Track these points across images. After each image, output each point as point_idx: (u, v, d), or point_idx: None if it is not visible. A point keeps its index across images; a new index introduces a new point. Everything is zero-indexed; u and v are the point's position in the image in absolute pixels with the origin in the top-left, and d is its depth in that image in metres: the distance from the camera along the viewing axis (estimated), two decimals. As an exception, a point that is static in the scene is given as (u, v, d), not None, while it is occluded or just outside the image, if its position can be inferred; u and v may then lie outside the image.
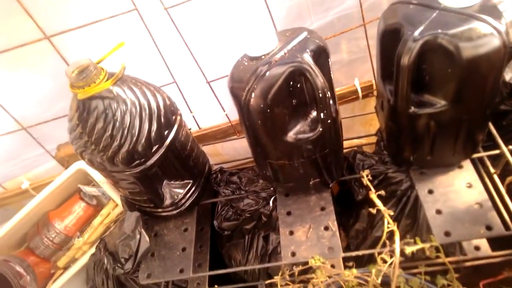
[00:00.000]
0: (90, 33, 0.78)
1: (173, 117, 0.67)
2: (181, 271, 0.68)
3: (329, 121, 0.57)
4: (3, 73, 0.85)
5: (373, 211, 0.55)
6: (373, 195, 0.54)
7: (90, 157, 0.62)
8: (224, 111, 0.93)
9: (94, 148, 0.61)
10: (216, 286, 0.74)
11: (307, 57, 0.51)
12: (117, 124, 0.60)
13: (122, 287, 0.81)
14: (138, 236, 0.70)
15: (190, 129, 0.76)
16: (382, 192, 0.57)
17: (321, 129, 0.57)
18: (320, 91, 0.52)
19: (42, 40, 0.77)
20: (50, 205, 1.00)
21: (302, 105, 0.57)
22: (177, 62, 0.85)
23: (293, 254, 0.63)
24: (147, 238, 0.70)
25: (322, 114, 0.55)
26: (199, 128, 0.99)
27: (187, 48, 0.82)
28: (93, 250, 0.93)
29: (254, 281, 0.80)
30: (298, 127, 0.58)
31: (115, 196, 0.92)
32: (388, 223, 0.54)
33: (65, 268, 0.98)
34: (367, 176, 0.58)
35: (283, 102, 0.55)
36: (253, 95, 0.53)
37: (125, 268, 0.70)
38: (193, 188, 0.75)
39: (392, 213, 0.55)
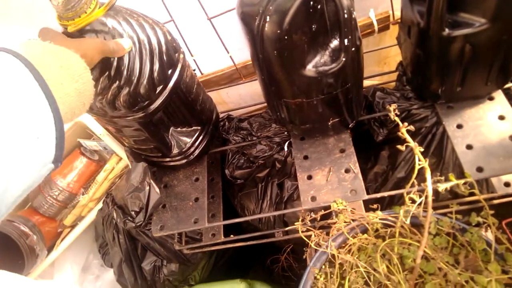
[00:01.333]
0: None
1: (176, 55, 0.60)
2: (196, 221, 0.64)
3: (353, 49, 0.50)
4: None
5: (402, 148, 0.50)
6: (403, 130, 0.49)
7: (88, 102, 0.56)
8: (228, 52, 0.86)
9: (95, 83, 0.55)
10: (232, 235, 0.72)
11: (331, -29, 0.44)
12: (115, 63, 0.53)
13: (133, 241, 0.78)
14: (147, 188, 0.66)
15: (194, 70, 0.70)
16: (411, 127, 0.51)
17: (344, 59, 0.51)
18: (345, 11, 0.45)
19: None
20: (50, 162, 0.96)
21: (322, 32, 0.50)
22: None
23: (313, 198, 0.59)
24: (157, 190, 0.66)
25: (346, 41, 0.49)
26: (201, 74, 0.92)
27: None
28: (99, 206, 0.89)
29: (269, 230, 0.77)
30: (318, 58, 0.51)
31: (118, 149, 0.88)
32: (419, 160, 0.50)
33: (72, 226, 0.96)
34: (394, 111, 0.53)
35: (302, 27, 0.48)
36: (268, 19, 0.46)
37: (136, 221, 0.66)
38: (202, 136, 0.70)
39: (422, 149, 0.50)
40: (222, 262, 1.00)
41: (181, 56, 0.62)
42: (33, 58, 0.35)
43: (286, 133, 0.71)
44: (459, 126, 0.58)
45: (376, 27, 0.80)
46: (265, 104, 0.90)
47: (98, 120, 0.64)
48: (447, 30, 0.49)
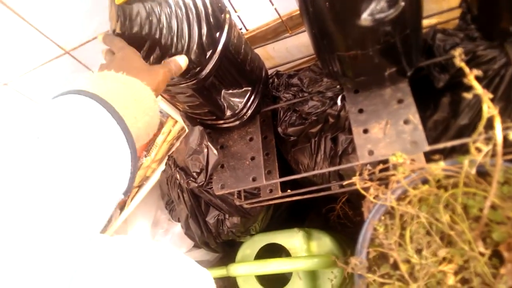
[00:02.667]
0: None
1: (222, 16, 0.59)
2: (254, 179, 0.67)
3: (412, -9, 0.46)
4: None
5: (469, 95, 0.47)
6: (470, 77, 0.46)
7: (144, 73, 0.58)
8: (273, 5, 0.83)
9: (146, 62, 0.56)
10: (289, 190, 0.74)
11: None
12: (164, 30, 0.54)
13: (197, 198, 0.84)
14: (205, 150, 0.69)
15: (241, 29, 0.69)
16: (480, 72, 0.48)
17: (403, 4, 0.47)
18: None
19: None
20: (113, 128, 1.02)
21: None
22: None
23: (371, 152, 0.59)
24: (215, 151, 0.69)
25: (404, -16, 0.45)
26: (247, 30, 0.90)
27: None
28: (162, 167, 0.95)
29: (324, 183, 0.79)
30: (373, 5, 0.48)
31: (173, 113, 0.91)
32: (488, 107, 0.47)
33: (139, 186, 1.04)
34: (460, 55, 0.49)
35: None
36: (318, -30, 0.43)
37: (198, 182, 0.71)
38: (253, 96, 0.70)
39: (491, 96, 0.47)
40: (279, 213, 1.04)
41: (227, 16, 0.61)
42: (109, 95, 0.37)
43: (338, 86, 0.69)
44: (534, 66, 0.53)
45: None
46: (314, 56, 0.88)
47: (154, 88, 0.66)
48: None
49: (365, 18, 0.48)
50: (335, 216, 1.02)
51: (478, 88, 0.46)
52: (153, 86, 0.44)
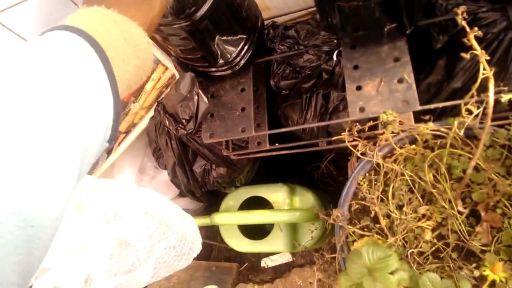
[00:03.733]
0: None
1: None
2: (243, 130, 0.67)
3: None
4: None
5: (466, 56, 0.47)
6: (471, 36, 0.45)
7: (135, 10, 0.56)
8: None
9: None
10: (277, 143, 0.74)
11: None
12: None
13: (185, 147, 0.83)
14: (196, 97, 0.68)
15: (239, -27, 0.65)
16: (480, 33, 0.47)
17: (411, -47, 0.45)
18: None
19: None
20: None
21: None
22: None
23: (362, 109, 0.59)
24: (205, 99, 0.68)
25: None
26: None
27: None
28: (150, 114, 0.94)
29: (312, 139, 0.79)
30: (381, -47, 0.46)
31: (164, 59, 0.88)
32: (484, 69, 0.47)
33: (127, 132, 1.03)
34: (462, 14, 0.48)
35: None
36: None
37: (187, 129, 0.70)
38: (247, 46, 0.68)
39: (488, 58, 0.46)
40: (265, 167, 1.06)
41: (226, -46, 0.57)
42: (98, 33, 0.34)
43: (335, 41, 0.67)
44: (533, 31, 0.53)
45: None
46: (312, 10, 0.85)
47: (145, 29, 0.63)
48: None
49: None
50: (319, 174, 1.04)
51: (477, 48, 0.46)
52: (146, 24, 0.40)
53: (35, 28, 0.63)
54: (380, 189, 0.57)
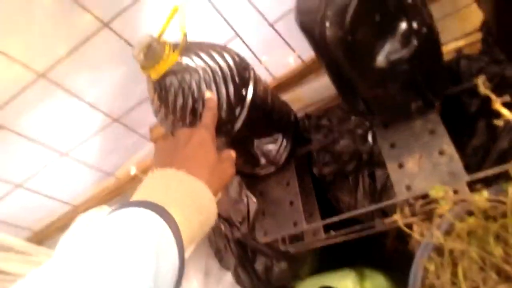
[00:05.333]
0: (143, 8, 0.77)
1: (247, 73, 0.63)
2: (295, 224, 0.68)
3: (424, 29, 0.48)
4: (78, 73, 0.90)
5: (500, 122, 0.46)
6: (497, 105, 0.45)
7: (180, 134, 0.63)
8: (295, 52, 0.87)
9: (182, 124, 0.61)
10: (332, 232, 0.73)
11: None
12: (196, 95, 0.59)
13: (243, 247, 0.85)
14: (245, 199, 0.72)
15: (269, 82, 0.73)
16: (507, 98, 0.47)
17: (416, 43, 0.48)
18: (407, -3, 0.43)
19: (102, 30, 0.78)
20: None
21: (387, 19, 0.48)
22: (234, 14, 0.80)
23: (408, 188, 0.58)
24: (254, 199, 0.71)
25: (414, 24, 0.47)
26: (273, 78, 0.94)
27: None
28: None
29: (367, 220, 0.77)
30: (387, 48, 0.50)
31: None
32: (523, 131, 0.45)
33: (187, 236, 1.07)
34: (483, 83, 0.49)
35: (365, 22, 0.47)
36: (327, 24, 0.46)
37: (242, 231, 0.73)
38: (284, 142, 0.73)
39: (526, 118, 0.45)
40: (329, 253, 1.02)
41: (252, 72, 0.65)
42: (169, 199, 0.38)
43: (367, 123, 0.69)
44: None
45: (448, -13, 0.73)
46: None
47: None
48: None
49: (381, 60, 0.50)
50: (387, 251, 0.98)
51: (507, 114, 0.45)
52: (209, 184, 0.43)
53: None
54: (449, 272, 0.53)
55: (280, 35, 0.84)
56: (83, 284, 0.28)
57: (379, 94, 0.55)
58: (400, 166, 0.60)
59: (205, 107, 0.56)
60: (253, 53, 0.88)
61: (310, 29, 0.49)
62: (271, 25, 0.82)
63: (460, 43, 0.83)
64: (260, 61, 0.91)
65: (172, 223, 0.37)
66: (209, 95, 0.56)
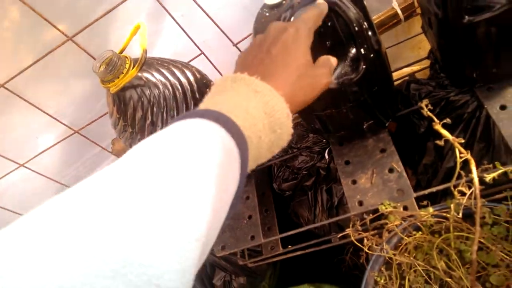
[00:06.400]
0: (107, 23, 0.77)
1: (207, 90, 0.64)
2: (252, 237, 0.68)
3: (371, 55, 0.51)
4: (40, 84, 0.88)
5: (441, 143, 0.50)
6: (437, 126, 0.49)
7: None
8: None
9: (140, 137, 0.61)
10: (289, 246, 0.74)
11: (333, -10, 0.45)
12: (155, 109, 0.59)
13: (214, 266, 0.85)
14: (203, 213, 0.72)
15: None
16: (448, 120, 0.51)
17: (364, 67, 0.51)
18: (355, 24, 0.46)
19: (66, 42, 0.78)
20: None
21: (337, 45, 0.51)
22: (199, 33, 0.82)
23: (360, 203, 0.60)
24: (212, 213, 0.71)
25: (362, 50, 0.50)
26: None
27: (206, 15, 0.78)
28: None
29: (325, 234, 0.79)
30: (338, 70, 0.52)
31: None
32: (460, 152, 0.49)
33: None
34: (426, 106, 0.52)
35: (317, 46, 0.49)
36: (282, 47, 0.48)
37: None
38: (245, 156, 0.74)
39: (462, 141, 0.49)
40: (287, 269, 1.03)
41: (213, 89, 0.66)
42: (238, 109, 0.32)
43: (324, 140, 0.72)
44: (503, 107, 0.56)
45: (401, 16, 0.78)
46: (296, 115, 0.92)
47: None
48: (467, 18, 0.47)
49: (332, 82, 0.53)
50: (346, 267, 1.00)
51: (447, 135, 0.49)
52: (288, 96, 0.36)
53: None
54: (397, 284, 0.55)
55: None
56: (125, 211, 0.22)
57: (332, 113, 0.58)
58: (354, 182, 0.62)
59: (315, 7, 0.44)
60: (217, 70, 0.90)
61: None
62: (235, 45, 0.84)
63: (414, 68, 0.89)
64: (221, 74, 0.93)
65: (240, 141, 0.30)
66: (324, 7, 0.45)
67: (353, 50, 0.51)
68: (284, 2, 0.48)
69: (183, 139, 0.27)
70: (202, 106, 0.33)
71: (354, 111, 0.57)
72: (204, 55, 0.86)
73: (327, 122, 0.61)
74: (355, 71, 0.51)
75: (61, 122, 0.95)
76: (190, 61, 0.84)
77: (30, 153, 1.00)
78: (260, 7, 0.53)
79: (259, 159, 0.35)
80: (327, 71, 0.42)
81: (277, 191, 0.79)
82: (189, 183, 0.24)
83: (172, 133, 0.28)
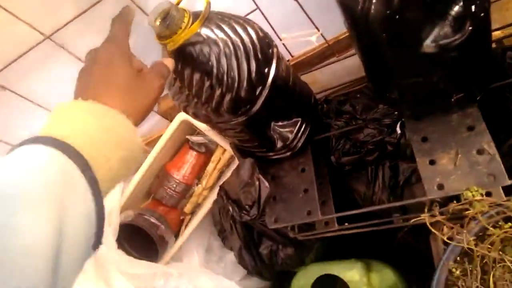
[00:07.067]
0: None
1: (270, 51, 0.57)
2: (309, 213, 0.64)
3: (482, 14, 0.42)
4: (86, 37, 0.83)
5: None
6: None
7: (195, 110, 0.58)
8: (319, 30, 0.80)
9: (197, 101, 0.56)
10: (346, 224, 0.70)
11: None
12: (215, 70, 0.53)
13: (250, 229, 0.82)
14: (257, 183, 0.68)
15: (288, 61, 0.67)
16: None
17: (471, 28, 0.42)
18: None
19: None
20: (165, 157, 1.04)
21: (438, 0, 0.42)
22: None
23: (440, 186, 0.53)
24: (267, 184, 0.67)
25: (473, 7, 0.40)
26: (292, 57, 0.88)
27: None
28: (213, 193, 0.95)
29: (383, 213, 0.73)
30: (437, 31, 0.44)
31: (222, 142, 0.91)
32: None
33: (192, 213, 1.04)
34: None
35: (415, 2, 0.41)
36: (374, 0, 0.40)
37: (251, 214, 0.69)
38: (303, 126, 0.68)
39: None
40: (334, 242, 0.99)
41: (275, 50, 0.59)
42: (76, 132, 0.33)
43: (396, 112, 0.64)
44: None
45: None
46: (364, 79, 0.83)
47: (203, 123, 0.66)
48: None
49: (428, 45, 0.44)
50: (397, 245, 0.95)
51: None
52: (129, 112, 0.36)
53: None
54: (478, 278, 0.49)
55: (304, 10, 0.77)
56: None
57: (418, 82, 0.50)
58: (432, 162, 0.55)
59: (118, 15, 0.44)
60: (273, 28, 0.82)
61: (350, 4, 0.43)
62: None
63: (497, 33, 0.76)
64: (280, 37, 0.84)
65: (79, 160, 0.31)
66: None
67: (460, 6, 0.42)
68: None
69: (9, 164, 0.29)
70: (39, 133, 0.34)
71: (446, 80, 0.49)
72: (260, 10, 0.78)
73: (409, 92, 0.53)
74: (459, 32, 0.43)
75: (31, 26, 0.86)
76: (245, 16, 0.76)
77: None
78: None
79: (116, 177, 0.35)
80: (156, 73, 0.43)
81: (334, 165, 0.73)
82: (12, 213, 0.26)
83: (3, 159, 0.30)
